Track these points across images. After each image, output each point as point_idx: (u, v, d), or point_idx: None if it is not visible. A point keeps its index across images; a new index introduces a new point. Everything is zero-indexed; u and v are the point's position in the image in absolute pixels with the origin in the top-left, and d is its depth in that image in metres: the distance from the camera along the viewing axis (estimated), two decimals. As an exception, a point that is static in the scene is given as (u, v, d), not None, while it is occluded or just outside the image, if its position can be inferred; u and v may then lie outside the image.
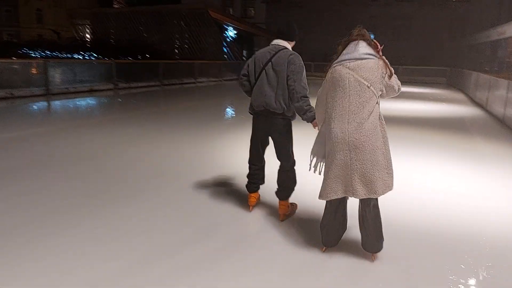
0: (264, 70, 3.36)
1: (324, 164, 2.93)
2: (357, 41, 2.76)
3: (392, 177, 2.78)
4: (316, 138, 3.02)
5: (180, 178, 4.80)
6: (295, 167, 3.62)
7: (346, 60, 2.72)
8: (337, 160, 2.70)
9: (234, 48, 29.12)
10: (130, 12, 27.12)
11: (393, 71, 2.74)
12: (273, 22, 37.46)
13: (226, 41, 28.93)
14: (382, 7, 35.22)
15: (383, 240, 2.89)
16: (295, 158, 3.60)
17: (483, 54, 25.83)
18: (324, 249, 3.00)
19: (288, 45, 3.44)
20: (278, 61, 3.31)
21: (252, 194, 3.77)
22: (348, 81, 2.67)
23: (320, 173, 3.00)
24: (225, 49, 28.70)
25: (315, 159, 3.04)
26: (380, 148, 2.69)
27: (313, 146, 3.04)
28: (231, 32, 30.49)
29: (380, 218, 2.85)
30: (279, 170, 3.63)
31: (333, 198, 2.78)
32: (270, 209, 3.81)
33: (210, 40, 25.47)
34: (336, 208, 2.90)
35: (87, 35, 30.31)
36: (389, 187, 2.74)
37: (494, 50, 22.98)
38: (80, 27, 30.65)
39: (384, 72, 2.70)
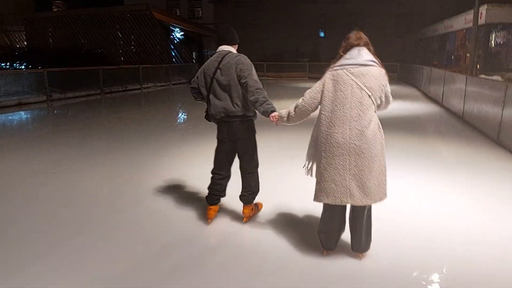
0: (214, 79, 3.38)
1: (316, 166, 2.95)
2: (360, 47, 2.79)
3: (386, 185, 2.83)
4: (310, 141, 3.01)
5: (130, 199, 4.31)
6: (258, 170, 3.64)
7: (349, 65, 2.74)
8: (335, 164, 2.74)
9: (182, 50, 27.91)
10: (68, 16, 25.20)
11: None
12: (222, 22, 36.55)
13: (173, 43, 27.66)
14: (331, 4, 35.16)
15: (371, 241, 3.01)
16: (258, 161, 3.65)
17: (431, 48, 26.20)
18: (325, 252, 3.06)
19: (232, 49, 3.51)
20: (226, 64, 3.35)
21: (212, 207, 3.66)
22: (351, 87, 2.70)
23: (312, 175, 3.02)
24: (173, 52, 27.46)
25: (310, 162, 3.04)
26: (378, 156, 2.74)
27: (308, 150, 3.02)
28: (178, 34, 29.22)
29: (371, 222, 2.98)
30: (242, 174, 3.61)
31: (327, 202, 2.82)
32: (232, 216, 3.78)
33: (156, 43, 24.11)
34: (332, 212, 2.94)
35: (22, 42, 27.92)
36: (385, 194, 2.82)
37: (442, 44, 23.27)
38: (14, 33, 28.21)
39: (385, 82, 2.76)
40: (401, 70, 27.19)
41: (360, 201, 2.72)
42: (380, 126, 2.81)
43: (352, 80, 2.70)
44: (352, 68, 2.73)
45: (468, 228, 3.62)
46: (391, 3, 33.79)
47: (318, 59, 34.84)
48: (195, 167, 5.48)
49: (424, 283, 2.75)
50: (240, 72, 3.29)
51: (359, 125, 2.67)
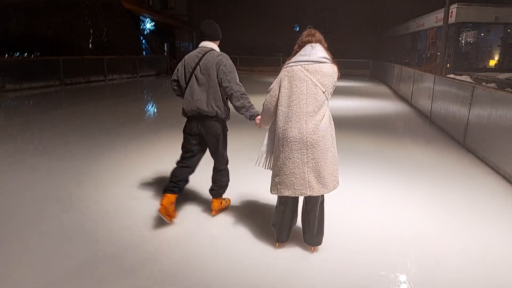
0: (193, 74, 3.36)
1: (274, 160, 3.02)
2: (313, 43, 2.87)
3: (338, 174, 2.94)
4: (267, 135, 3.10)
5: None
6: (228, 166, 3.72)
7: (304, 61, 2.82)
8: (294, 158, 2.82)
9: (152, 42, 27.08)
10: (29, 2, 24.00)
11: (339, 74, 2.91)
12: (194, 14, 35.83)
13: (143, 34, 26.82)
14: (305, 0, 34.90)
15: (323, 235, 3.11)
16: (228, 157, 3.71)
17: (403, 46, 26.31)
18: (277, 245, 3.16)
19: (214, 45, 3.46)
20: (206, 63, 3.32)
21: (167, 194, 3.45)
22: (306, 84, 2.79)
23: (268, 168, 3.13)
24: (142, 43, 26.63)
25: (264, 155, 3.12)
26: (330, 147, 2.85)
27: (265, 143, 3.10)
28: (149, 25, 28.35)
29: (324, 215, 3.09)
30: (213, 169, 3.70)
31: (287, 195, 2.89)
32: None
33: (125, 33, 23.23)
34: (285, 206, 3.05)
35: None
36: (338, 182, 2.93)
37: (414, 42, 23.36)
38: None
39: (337, 78, 2.88)
40: (373, 67, 27.20)
41: (318, 191, 2.84)
42: (331, 119, 2.91)
43: (307, 76, 2.79)
44: (307, 64, 2.81)
45: (419, 230, 3.58)
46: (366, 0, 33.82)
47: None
48: (155, 163, 5.20)
49: (372, 278, 2.82)
50: (222, 74, 3.29)
51: (314, 120, 2.78)
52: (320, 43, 2.89)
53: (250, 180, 4.58)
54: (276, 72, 3.02)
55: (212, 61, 3.29)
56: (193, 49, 3.54)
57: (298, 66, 2.81)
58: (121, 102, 12.63)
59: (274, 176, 2.98)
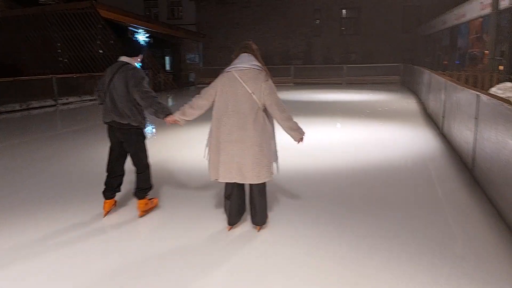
0: (110, 85, 3.67)
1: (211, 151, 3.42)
2: (247, 53, 3.35)
3: (272, 166, 3.41)
4: (209, 132, 3.43)
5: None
6: (149, 170, 3.96)
7: (238, 67, 3.28)
8: (227, 150, 3.25)
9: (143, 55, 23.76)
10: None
11: (272, 79, 3.34)
12: (203, 22, 32.41)
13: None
14: (327, -3, 30.48)
15: (267, 216, 3.59)
16: (148, 162, 3.97)
17: (440, 45, 21.36)
18: (229, 228, 3.58)
19: (131, 60, 3.77)
20: (119, 76, 3.66)
21: (107, 201, 3.96)
22: (239, 86, 3.23)
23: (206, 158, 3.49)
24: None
25: (207, 148, 3.48)
26: (264, 143, 3.28)
27: (208, 139, 3.46)
28: (142, 36, 25.10)
29: (265, 200, 3.52)
30: (135, 173, 3.92)
31: (224, 180, 3.36)
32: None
33: (104, 47, 20.00)
34: (231, 191, 3.48)
35: None
36: (271, 174, 3.38)
37: (453, 39, 18.42)
38: None
39: (265, 83, 3.25)
40: (404, 72, 22.44)
41: (250, 179, 3.28)
42: (267, 119, 3.33)
43: (239, 80, 3.23)
44: (240, 70, 3.26)
45: None
46: (397, -6, 28.96)
47: (311, 61, 30.29)
48: None
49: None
50: (132, 87, 3.61)
51: (244, 117, 3.21)
52: (253, 53, 3.36)
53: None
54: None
55: (124, 74, 3.64)
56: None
57: (232, 72, 3.27)
58: (25, 143, 8.90)
59: (210, 165, 3.41)
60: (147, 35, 25.33)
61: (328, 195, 4.59)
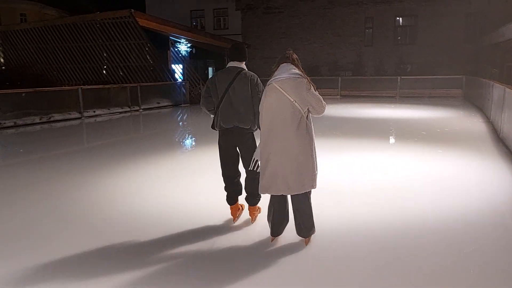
0: (228, 91, 3.66)
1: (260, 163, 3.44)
2: (287, 63, 3.36)
3: (316, 176, 3.36)
4: (259, 143, 3.47)
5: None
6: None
7: (279, 78, 3.28)
8: (274, 161, 3.27)
9: (184, 67, 23.01)
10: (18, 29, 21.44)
11: (315, 86, 3.31)
12: (250, 32, 31.42)
13: (176, 58, 22.91)
14: (380, 4, 28.40)
15: (314, 227, 3.49)
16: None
17: (510, 55, 18.75)
18: (272, 239, 3.54)
19: (243, 65, 3.81)
20: (239, 82, 3.67)
21: (232, 206, 3.97)
22: (281, 96, 3.24)
23: (257, 170, 3.56)
24: (176, 69, 22.80)
25: (256, 160, 3.57)
26: (307, 152, 3.27)
27: (256, 150, 3.56)
28: (184, 47, 24.44)
29: (311, 209, 3.45)
30: (246, 178, 3.88)
31: (270, 193, 3.38)
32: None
33: (141, 58, 19.38)
34: (274, 202, 3.45)
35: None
36: (313, 184, 3.33)
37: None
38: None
39: (306, 89, 3.23)
40: (467, 85, 19.97)
41: (296, 190, 3.28)
42: (310, 126, 3.30)
43: (280, 91, 3.23)
44: (280, 80, 3.26)
45: None
46: (459, 0, 26.41)
47: (362, 72, 28.23)
48: None
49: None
50: (256, 94, 3.67)
51: (288, 127, 3.23)
52: (293, 62, 3.36)
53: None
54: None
55: (246, 79, 3.67)
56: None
57: (274, 83, 3.28)
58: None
59: (260, 179, 3.40)
60: (189, 45, 24.64)
61: (355, 272, 3.01)
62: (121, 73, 19.35)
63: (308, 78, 3.27)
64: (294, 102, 3.18)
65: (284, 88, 3.20)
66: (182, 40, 23.97)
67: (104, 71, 19.19)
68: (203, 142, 9.14)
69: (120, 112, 15.24)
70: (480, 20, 26.01)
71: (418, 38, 27.64)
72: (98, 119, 14.02)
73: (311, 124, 3.32)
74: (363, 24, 29.09)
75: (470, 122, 11.03)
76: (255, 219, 3.95)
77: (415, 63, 27.41)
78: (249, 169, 3.64)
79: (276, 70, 3.35)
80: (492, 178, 5.62)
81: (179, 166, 6.87)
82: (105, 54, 19.71)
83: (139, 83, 16.81)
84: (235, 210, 3.96)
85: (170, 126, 13.53)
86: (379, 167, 6.27)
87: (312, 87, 3.24)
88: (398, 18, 28.72)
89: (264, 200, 3.76)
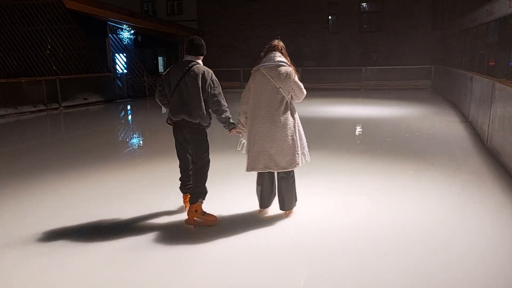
0: (179, 84, 3.66)
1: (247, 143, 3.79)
2: (275, 51, 3.63)
3: (299, 156, 3.63)
4: (247, 126, 3.75)
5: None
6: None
7: (266, 65, 3.57)
8: (259, 140, 3.55)
9: (128, 56, 20.34)
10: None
11: (299, 75, 3.65)
12: (207, 18, 28.90)
13: (115, 46, 20.17)
14: (344, -11, 26.42)
15: (296, 201, 3.85)
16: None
17: (483, 42, 17.10)
18: (260, 210, 3.91)
19: (199, 60, 3.78)
20: (190, 76, 3.64)
21: (185, 195, 4.04)
22: (268, 82, 3.54)
23: (244, 151, 3.84)
24: (119, 59, 20.10)
25: (244, 141, 3.87)
26: (290, 135, 3.55)
27: (243, 134, 3.85)
28: (126, 34, 21.70)
29: (294, 186, 3.76)
30: (193, 170, 3.90)
31: (257, 171, 3.66)
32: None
33: (71, 46, 16.59)
34: (262, 178, 3.75)
35: None
36: (297, 163, 3.61)
37: (504, 34, 14.21)
38: None
39: (292, 77, 3.54)
40: (437, 76, 18.25)
41: (284, 167, 3.56)
42: (293, 111, 3.61)
43: (267, 76, 3.53)
44: (268, 67, 3.55)
45: None
46: (426, -15, 24.70)
47: (327, 62, 26.26)
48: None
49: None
50: (208, 88, 3.65)
51: (274, 110, 3.52)
52: (280, 51, 3.64)
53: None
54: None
55: (197, 74, 3.62)
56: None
57: (261, 69, 3.58)
58: None
59: (248, 157, 3.69)
60: (132, 31, 21.92)
61: None
62: (40, 63, 16.36)
63: (293, 66, 3.61)
64: (280, 88, 3.53)
65: (271, 75, 3.53)
66: (124, 26, 21.21)
67: (15, 62, 16.18)
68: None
69: (32, 112, 12.59)
70: (448, 5, 24.49)
71: (384, 25, 25.89)
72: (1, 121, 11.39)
73: (294, 108, 3.66)
74: (327, 10, 27.08)
75: (444, 123, 9.07)
76: (190, 223, 3.75)
77: (381, 52, 25.72)
78: (237, 149, 3.89)
79: (264, 57, 3.64)
80: (495, 233, 3.56)
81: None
82: (19, 40, 16.55)
83: (57, 75, 14.06)
84: (187, 199, 3.95)
85: (94, 128, 10.90)
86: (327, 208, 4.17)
87: (295, 76, 3.56)
88: (363, 3, 26.92)
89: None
